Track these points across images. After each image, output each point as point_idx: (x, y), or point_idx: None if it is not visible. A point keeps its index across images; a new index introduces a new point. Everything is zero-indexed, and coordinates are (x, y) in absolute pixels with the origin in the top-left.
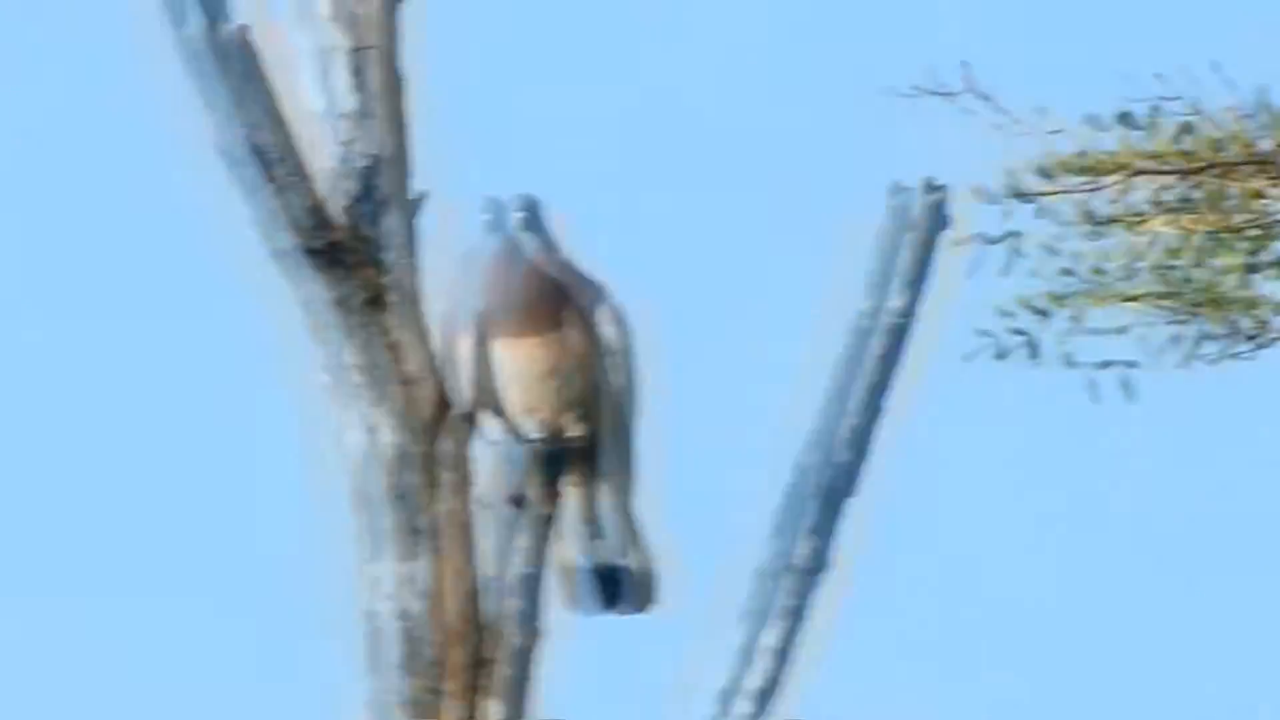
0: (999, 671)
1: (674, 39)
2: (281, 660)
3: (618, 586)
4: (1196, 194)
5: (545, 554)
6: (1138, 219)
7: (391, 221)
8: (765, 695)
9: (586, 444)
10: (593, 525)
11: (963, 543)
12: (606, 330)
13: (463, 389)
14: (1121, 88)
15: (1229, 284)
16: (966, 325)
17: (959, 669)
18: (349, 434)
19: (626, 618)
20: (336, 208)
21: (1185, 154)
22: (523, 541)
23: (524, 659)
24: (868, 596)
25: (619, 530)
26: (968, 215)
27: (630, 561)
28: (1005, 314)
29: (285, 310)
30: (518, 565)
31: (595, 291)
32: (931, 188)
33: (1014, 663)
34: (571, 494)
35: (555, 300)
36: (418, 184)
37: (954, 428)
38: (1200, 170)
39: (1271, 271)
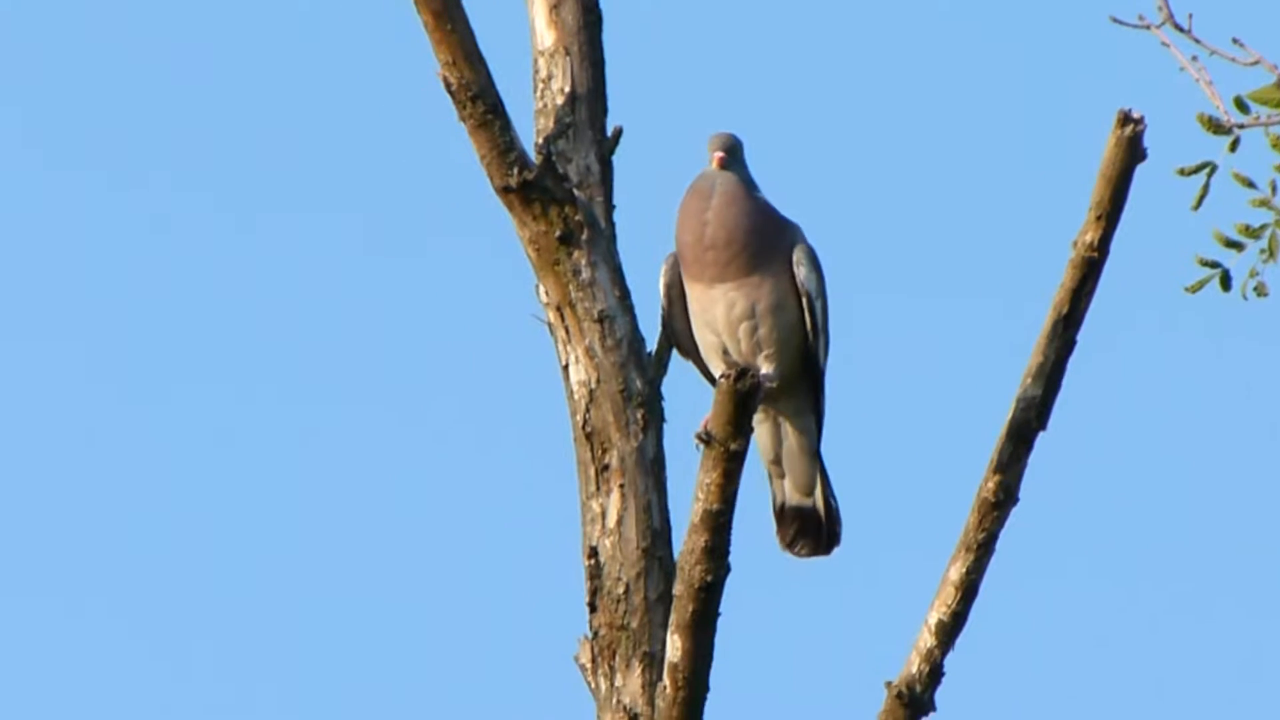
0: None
1: None
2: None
3: (806, 525)
4: None
5: (733, 491)
6: None
7: (585, 159)
8: (950, 629)
9: (776, 384)
10: (779, 464)
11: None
12: (800, 272)
13: (658, 328)
14: None
15: None
16: (1163, 258)
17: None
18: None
19: (813, 556)
20: (531, 146)
21: None
22: (710, 478)
23: (709, 595)
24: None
25: (806, 469)
26: (1164, 147)
27: (817, 500)
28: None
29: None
30: (704, 502)
31: (790, 234)
32: (1127, 119)
33: (1199, 594)
34: (760, 433)
35: (750, 243)
36: (613, 120)
37: (1146, 362)
38: None
39: None
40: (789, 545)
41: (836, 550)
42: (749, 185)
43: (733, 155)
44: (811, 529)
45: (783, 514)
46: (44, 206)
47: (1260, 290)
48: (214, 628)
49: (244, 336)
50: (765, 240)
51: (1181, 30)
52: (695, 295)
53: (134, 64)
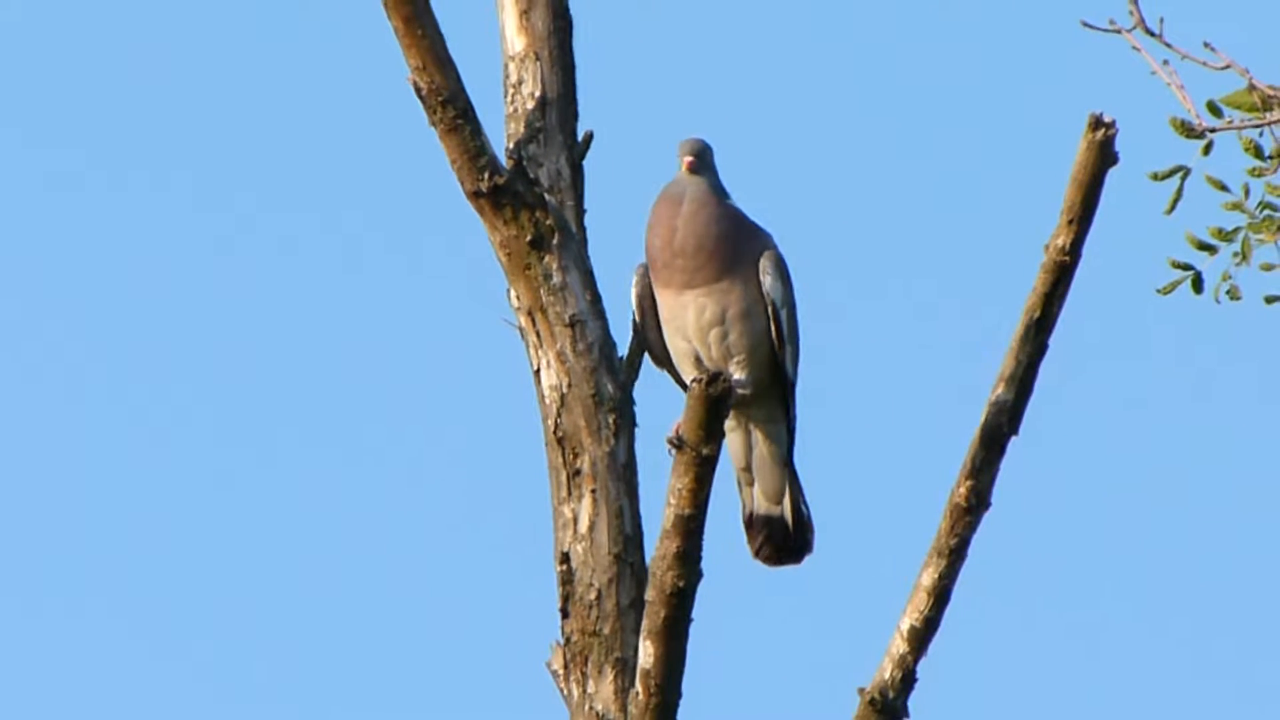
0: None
1: None
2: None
3: (774, 533)
4: None
5: (705, 497)
6: None
7: (556, 164)
8: (922, 635)
9: (749, 391)
10: (749, 472)
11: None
12: (765, 281)
13: (629, 334)
14: None
15: None
16: (1135, 262)
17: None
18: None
19: (782, 564)
20: (502, 150)
21: None
22: (682, 483)
23: (682, 601)
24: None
25: (775, 477)
26: (1136, 151)
27: (785, 508)
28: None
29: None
30: (676, 507)
31: (759, 241)
32: (1099, 123)
33: (1183, 599)
34: (731, 440)
35: (719, 250)
36: (584, 125)
37: (1119, 361)
38: None
39: None
40: (757, 553)
41: (808, 558)
42: (719, 192)
43: (703, 161)
44: (779, 537)
45: (751, 522)
46: (29, 206)
47: (1233, 293)
48: (185, 628)
49: (212, 339)
50: (735, 247)
51: (1153, 35)
52: (665, 302)
53: (103, 63)
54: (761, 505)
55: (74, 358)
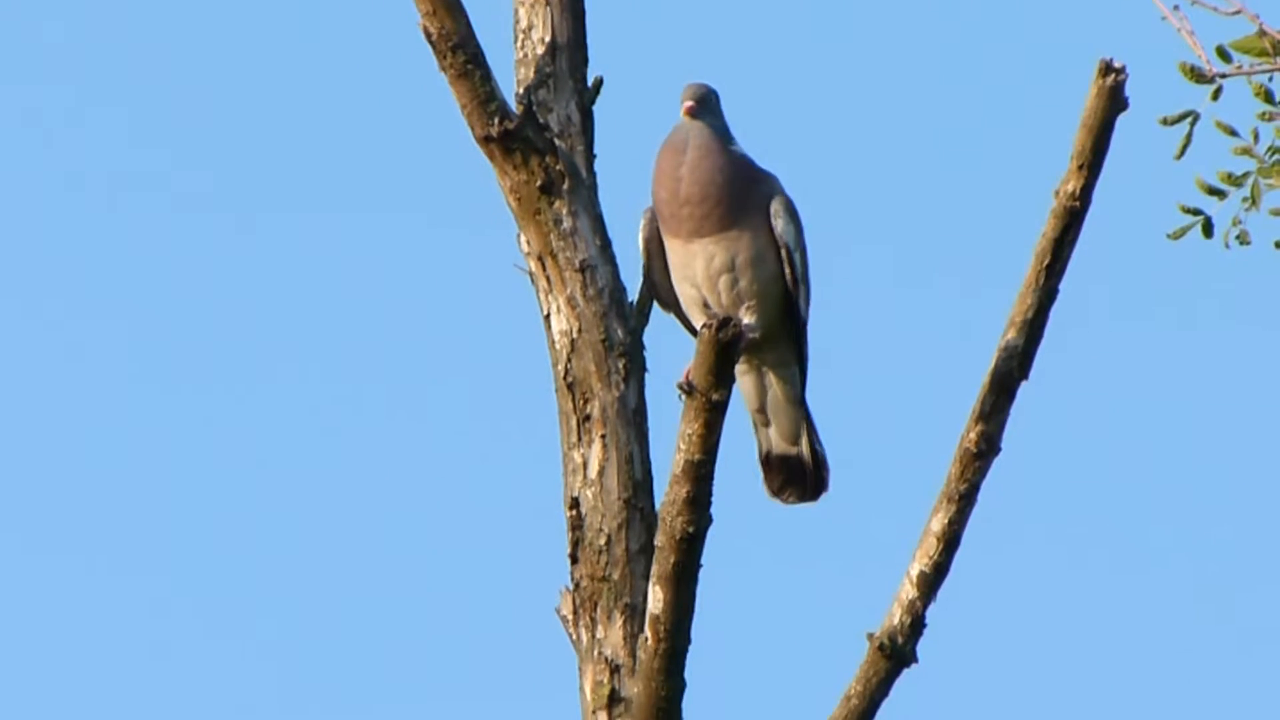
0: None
1: None
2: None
3: (792, 472)
4: None
5: (715, 442)
6: None
7: (566, 109)
8: (932, 580)
9: (758, 335)
10: (763, 414)
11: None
12: (777, 225)
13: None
14: None
15: None
16: (1144, 205)
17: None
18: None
19: (795, 505)
20: (511, 96)
21: None
22: (692, 429)
23: (691, 546)
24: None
25: (790, 418)
26: (1146, 97)
27: (803, 447)
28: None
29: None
30: (686, 452)
31: (767, 186)
32: (1109, 69)
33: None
34: (743, 383)
35: (726, 197)
36: (594, 70)
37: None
38: None
39: None
40: (776, 493)
41: (824, 496)
42: (724, 137)
43: (704, 106)
44: (798, 477)
45: (769, 462)
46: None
47: (1243, 238)
48: (193, 575)
49: (216, 283)
50: (741, 193)
51: None
52: (674, 250)
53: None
54: (779, 446)
55: (74, 340)
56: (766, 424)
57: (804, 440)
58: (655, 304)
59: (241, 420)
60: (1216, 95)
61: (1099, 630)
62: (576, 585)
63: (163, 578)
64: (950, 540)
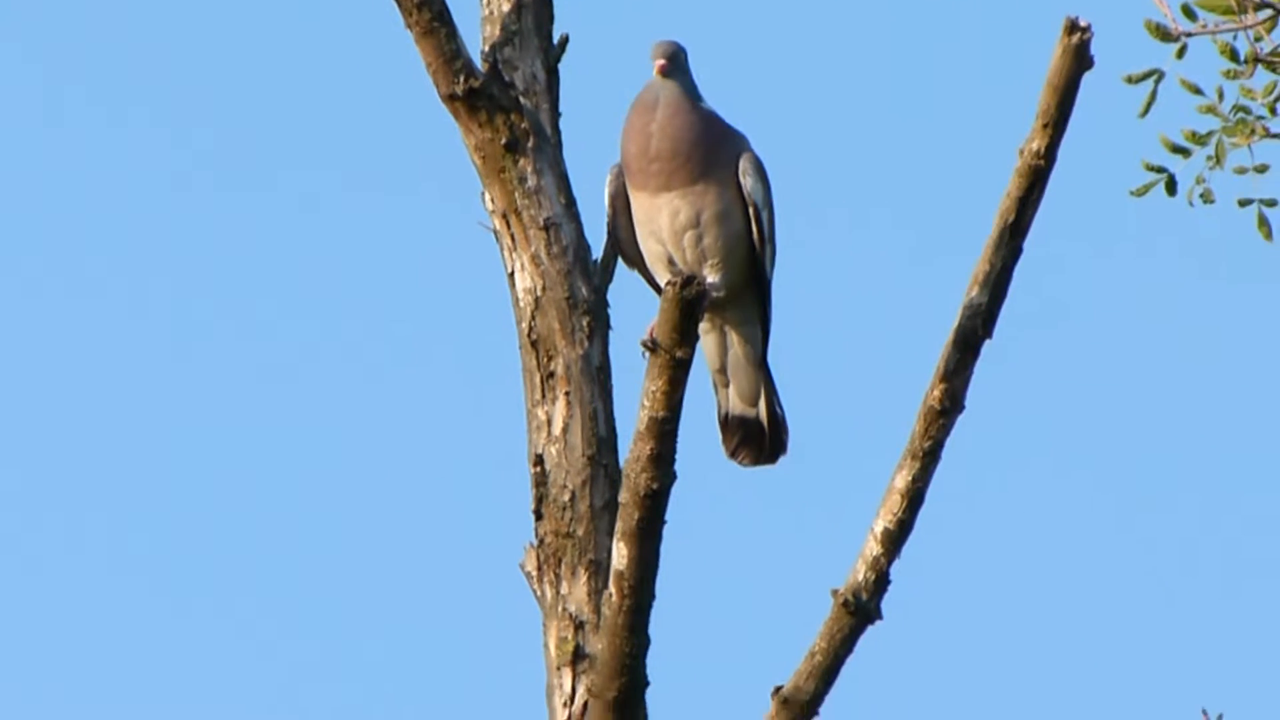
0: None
1: None
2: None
3: (749, 434)
4: None
5: (679, 399)
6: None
7: (532, 66)
8: (896, 537)
9: (722, 294)
10: (724, 374)
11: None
12: (745, 182)
13: (603, 236)
14: None
15: None
16: (1109, 163)
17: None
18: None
19: (757, 465)
20: (477, 54)
21: None
22: (656, 386)
23: (655, 503)
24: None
25: (750, 378)
26: (1111, 55)
27: (761, 410)
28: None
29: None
30: (650, 409)
31: (735, 144)
32: (1074, 27)
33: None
34: (705, 342)
35: (695, 153)
36: (559, 28)
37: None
38: None
39: None
40: (733, 454)
41: (782, 459)
42: (693, 95)
43: (675, 64)
44: (755, 438)
45: (727, 423)
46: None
47: (1206, 196)
48: (172, 551)
49: (189, 245)
50: (710, 150)
51: None
52: (640, 204)
53: None
54: (737, 406)
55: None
56: (726, 384)
57: (762, 403)
58: (620, 261)
59: (196, 380)
60: (1182, 53)
61: (1063, 586)
62: (541, 541)
63: (119, 529)
64: (914, 497)
